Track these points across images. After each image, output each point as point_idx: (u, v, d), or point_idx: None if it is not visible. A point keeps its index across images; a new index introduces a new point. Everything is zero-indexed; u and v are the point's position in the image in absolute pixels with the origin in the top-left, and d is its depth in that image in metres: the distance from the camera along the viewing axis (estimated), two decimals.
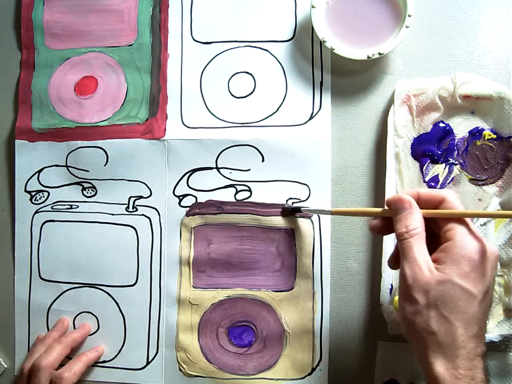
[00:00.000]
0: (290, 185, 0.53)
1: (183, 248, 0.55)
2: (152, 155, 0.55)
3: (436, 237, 0.39)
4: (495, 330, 0.49)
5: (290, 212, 0.53)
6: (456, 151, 0.51)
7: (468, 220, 0.38)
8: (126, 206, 0.56)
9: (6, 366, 0.57)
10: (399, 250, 0.38)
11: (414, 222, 0.37)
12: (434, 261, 0.37)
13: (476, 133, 0.51)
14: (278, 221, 0.53)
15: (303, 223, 0.53)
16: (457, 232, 0.37)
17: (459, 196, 0.39)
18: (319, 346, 0.52)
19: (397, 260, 0.40)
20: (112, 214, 0.56)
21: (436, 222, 0.39)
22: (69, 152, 0.57)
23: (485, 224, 0.50)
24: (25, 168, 0.57)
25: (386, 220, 0.41)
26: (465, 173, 0.51)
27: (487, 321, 0.39)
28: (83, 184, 0.57)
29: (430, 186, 0.51)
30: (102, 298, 0.56)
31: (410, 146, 0.51)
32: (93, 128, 0.56)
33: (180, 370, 0.54)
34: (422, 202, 0.39)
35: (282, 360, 0.53)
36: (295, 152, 0.53)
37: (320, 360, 0.52)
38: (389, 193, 0.50)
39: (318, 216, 0.53)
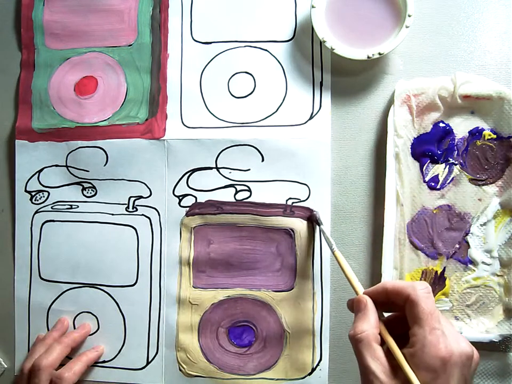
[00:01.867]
0: (290, 185, 0.53)
1: (183, 248, 0.55)
2: (152, 155, 0.55)
3: None
4: (495, 330, 0.49)
5: (314, 221, 0.52)
6: (456, 151, 0.51)
7: (437, 317, 0.34)
8: (126, 206, 0.56)
9: (6, 366, 0.57)
10: None
11: (363, 325, 0.36)
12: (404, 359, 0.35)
13: (476, 133, 0.51)
14: (278, 221, 0.53)
15: (303, 223, 0.53)
16: (418, 339, 0.34)
17: (430, 291, 0.36)
18: (319, 346, 0.52)
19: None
20: (112, 214, 0.56)
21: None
22: (69, 152, 0.57)
23: (485, 224, 0.50)
24: (25, 168, 0.57)
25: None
26: (465, 173, 0.51)
27: None
28: (83, 184, 0.57)
29: (430, 186, 0.51)
30: (102, 298, 0.56)
31: (410, 146, 0.51)
32: (92, 128, 0.56)
33: (180, 370, 0.54)
34: (392, 296, 0.37)
35: (282, 360, 0.53)
36: (295, 152, 0.53)
37: (320, 360, 0.52)
38: (389, 193, 0.50)
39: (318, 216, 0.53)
